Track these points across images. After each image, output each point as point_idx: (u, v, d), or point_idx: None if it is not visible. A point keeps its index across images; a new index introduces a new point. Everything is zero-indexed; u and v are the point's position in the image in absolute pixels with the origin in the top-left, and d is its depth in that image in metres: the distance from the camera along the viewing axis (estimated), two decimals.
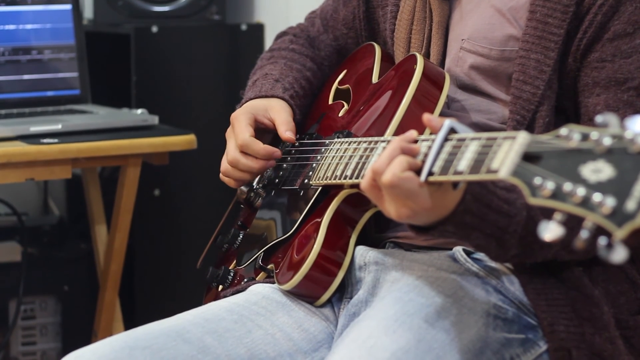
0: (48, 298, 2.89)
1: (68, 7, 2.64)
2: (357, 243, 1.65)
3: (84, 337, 2.69)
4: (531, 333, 1.56)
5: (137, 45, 2.85)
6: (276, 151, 1.76)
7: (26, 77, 2.59)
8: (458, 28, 1.71)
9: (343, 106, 1.82)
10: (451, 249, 1.61)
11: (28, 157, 2.32)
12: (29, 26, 2.61)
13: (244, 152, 1.76)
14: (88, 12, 2.99)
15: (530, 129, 1.59)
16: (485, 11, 1.67)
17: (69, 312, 2.90)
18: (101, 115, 2.51)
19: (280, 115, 1.79)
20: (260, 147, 1.75)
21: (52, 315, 2.91)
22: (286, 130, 1.77)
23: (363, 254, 1.64)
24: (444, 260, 1.59)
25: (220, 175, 1.80)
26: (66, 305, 2.90)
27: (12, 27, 2.59)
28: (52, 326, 2.91)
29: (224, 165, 1.78)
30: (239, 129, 1.76)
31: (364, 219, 1.65)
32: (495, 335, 1.53)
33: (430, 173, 1.35)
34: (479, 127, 1.65)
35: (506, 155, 1.26)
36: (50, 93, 2.61)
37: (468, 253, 1.60)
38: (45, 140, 2.33)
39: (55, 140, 2.34)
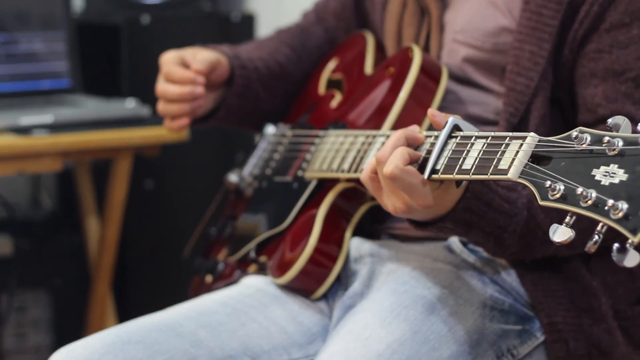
0: (40, 292, 2.88)
1: None
2: (353, 235, 1.64)
3: (76, 331, 2.69)
4: (528, 324, 1.55)
5: (128, 35, 2.83)
6: (197, 77, 1.72)
7: (16, 68, 2.57)
8: (450, 20, 1.69)
9: (335, 96, 1.81)
10: (447, 240, 1.60)
11: (19, 150, 2.31)
12: (19, 16, 2.59)
13: (169, 81, 1.74)
14: (79, 2, 2.98)
15: (524, 120, 1.58)
16: (478, 3, 1.65)
17: (61, 306, 2.89)
18: (93, 107, 2.50)
19: (202, 53, 1.76)
20: (180, 72, 1.73)
21: (44, 309, 2.90)
22: (195, 62, 1.74)
23: (358, 246, 1.63)
24: (440, 251, 1.59)
25: (166, 124, 1.78)
26: (58, 299, 2.89)
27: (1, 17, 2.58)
28: (44, 320, 2.90)
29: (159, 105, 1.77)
30: (164, 62, 1.75)
31: (359, 213, 1.64)
32: (491, 326, 1.52)
33: (434, 171, 1.34)
34: (473, 119, 1.64)
35: (515, 155, 1.25)
36: (41, 84, 2.60)
37: (464, 243, 1.59)
38: (36, 132, 2.32)
39: (46, 132, 2.33)
